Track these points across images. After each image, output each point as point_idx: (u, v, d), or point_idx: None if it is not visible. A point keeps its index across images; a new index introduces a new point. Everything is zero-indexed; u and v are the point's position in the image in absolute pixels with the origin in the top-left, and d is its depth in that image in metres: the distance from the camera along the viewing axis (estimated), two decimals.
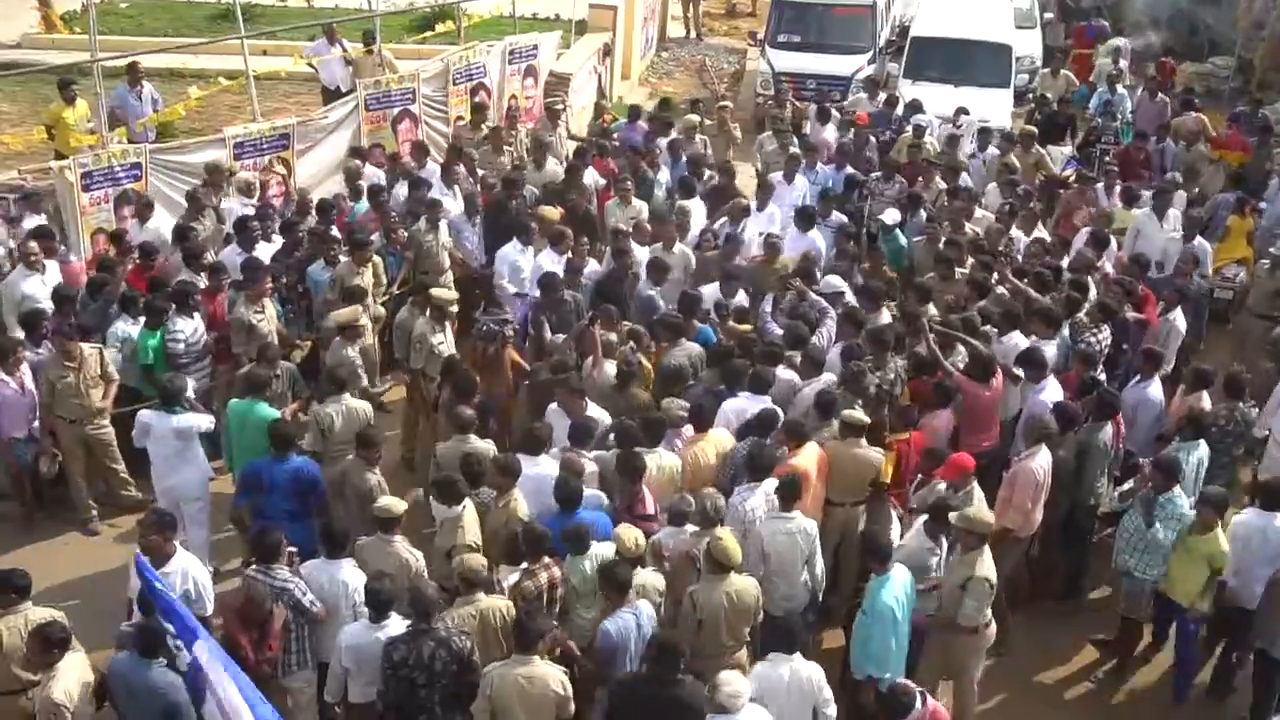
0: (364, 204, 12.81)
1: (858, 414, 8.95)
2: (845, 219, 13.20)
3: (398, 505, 7.97)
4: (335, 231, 11.99)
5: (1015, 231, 12.74)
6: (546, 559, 7.58)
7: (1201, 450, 9.45)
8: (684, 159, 14.29)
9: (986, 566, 7.82)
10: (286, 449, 8.69)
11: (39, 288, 10.74)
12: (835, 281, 11.18)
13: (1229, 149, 16.52)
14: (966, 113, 16.19)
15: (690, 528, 7.97)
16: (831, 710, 7.25)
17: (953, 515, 8.00)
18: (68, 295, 10.64)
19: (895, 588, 7.61)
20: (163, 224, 12.40)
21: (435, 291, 10.75)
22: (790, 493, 8.12)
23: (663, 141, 14.87)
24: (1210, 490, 8.66)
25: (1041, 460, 9.00)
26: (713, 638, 7.50)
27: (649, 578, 7.67)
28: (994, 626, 8.12)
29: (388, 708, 7.09)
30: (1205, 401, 10.08)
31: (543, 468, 8.55)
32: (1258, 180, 15.31)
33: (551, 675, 6.81)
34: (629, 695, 7.02)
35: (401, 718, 7.06)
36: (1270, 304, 12.19)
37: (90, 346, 10.03)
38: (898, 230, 12.77)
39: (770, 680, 7.05)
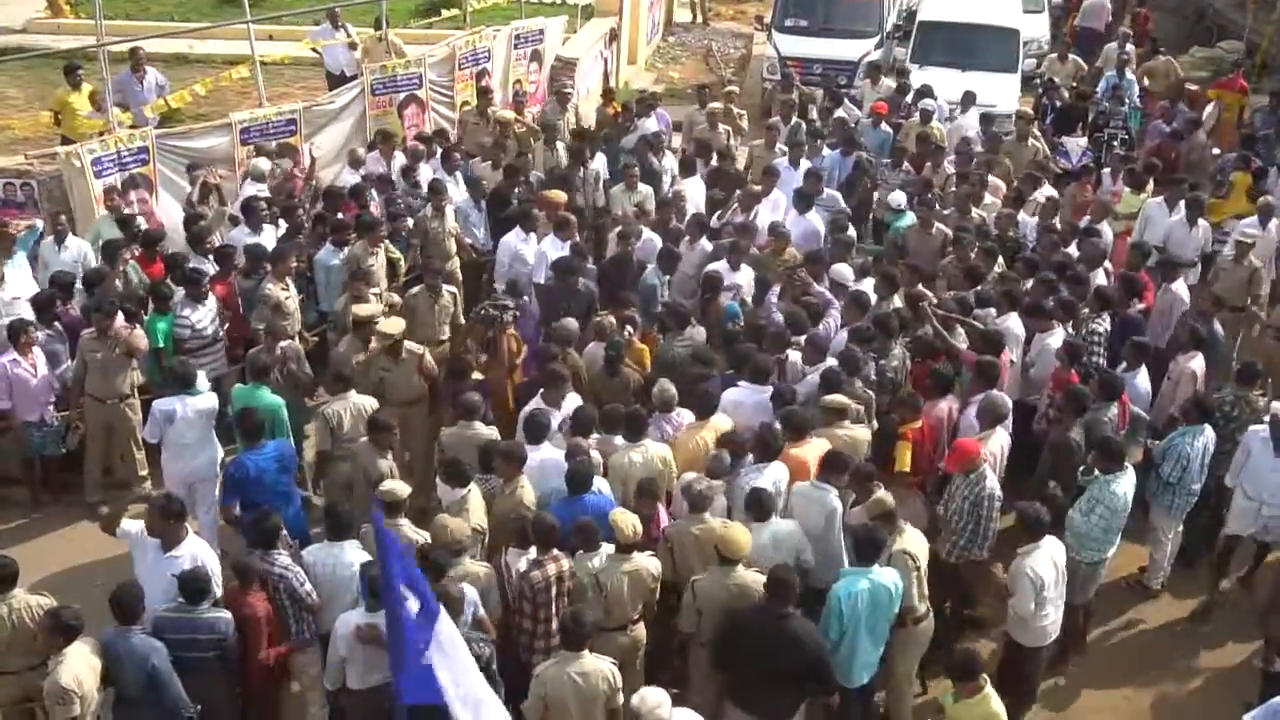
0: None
1: (838, 397, 8.99)
2: (839, 198, 13.15)
3: (402, 488, 7.99)
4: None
5: (1023, 217, 12.72)
6: (555, 551, 7.57)
7: (1207, 435, 9.45)
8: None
9: (909, 542, 7.77)
10: (258, 437, 8.67)
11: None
12: (843, 271, 11.16)
13: (1228, 90, 17.85)
14: (974, 99, 16.15)
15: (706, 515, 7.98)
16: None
17: (780, 471, 8.22)
18: (65, 282, 10.65)
19: (861, 584, 7.48)
20: (170, 210, 12.43)
21: (357, 308, 10.19)
22: (833, 467, 8.23)
23: (649, 124, 14.91)
24: (959, 653, 7.49)
25: (993, 444, 9.00)
26: (711, 628, 7.51)
27: (645, 562, 7.66)
28: (929, 621, 8.02)
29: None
30: (1198, 361, 10.17)
31: (544, 453, 8.58)
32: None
33: (603, 668, 6.86)
34: (739, 627, 7.18)
35: None
36: (1240, 295, 12.11)
37: (125, 325, 10.01)
38: (905, 212, 12.73)
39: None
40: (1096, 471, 8.72)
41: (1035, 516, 7.96)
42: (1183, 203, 13.05)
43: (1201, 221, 12.82)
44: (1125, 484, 8.65)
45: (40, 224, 11.69)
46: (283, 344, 10.06)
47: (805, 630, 7.16)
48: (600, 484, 8.28)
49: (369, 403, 9.31)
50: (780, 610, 7.06)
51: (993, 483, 8.54)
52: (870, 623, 7.54)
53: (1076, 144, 15.81)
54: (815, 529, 8.12)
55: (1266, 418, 9.35)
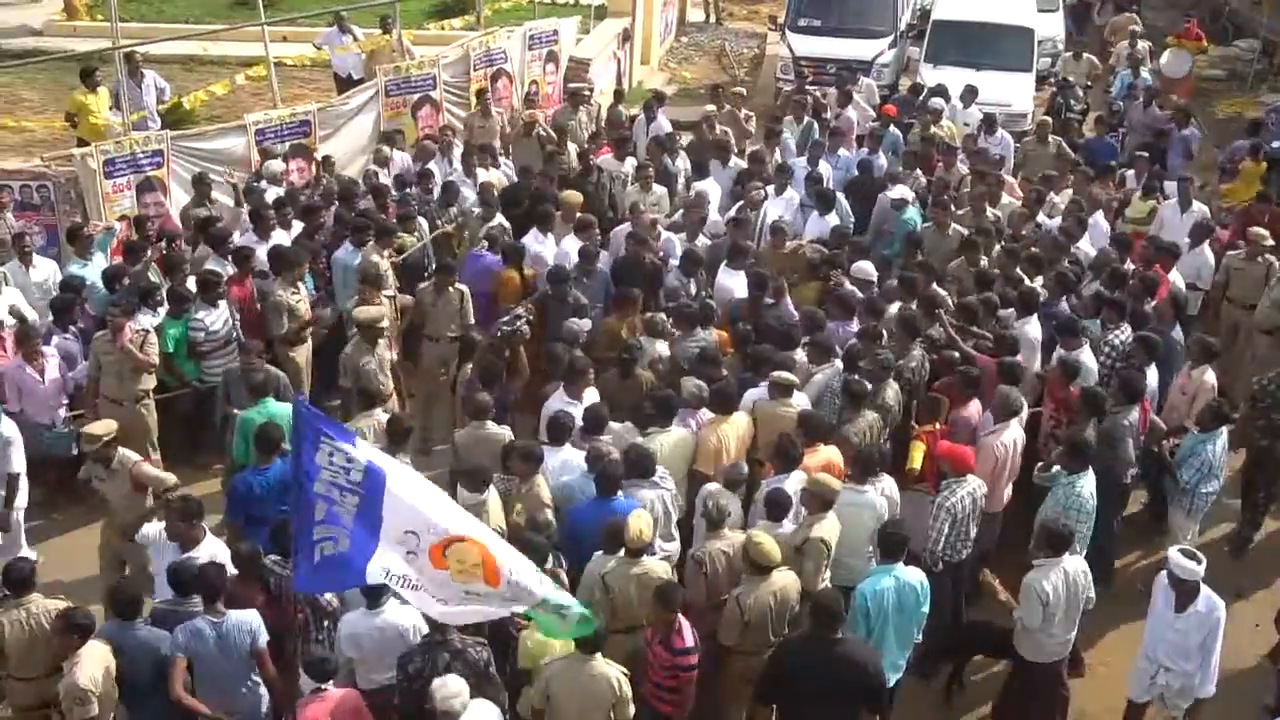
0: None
1: (787, 375, 9.10)
2: (842, 201, 13.08)
3: None
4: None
5: (1042, 218, 12.65)
6: (549, 565, 7.46)
7: (1223, 439, 9.43)
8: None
9: (825, 530, 7.76)
10: (269, 453, 8.61)
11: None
12: (866, 269, 11.19)
13: (1185, 39, 19.70)
14: (976, 94, 16.08)
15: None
16: None
17: (802, 479, 8.06)
18: (75, 284, 10.70)
19: (885, 581, 7.51)
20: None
21: (358, 312, 10.20)
22: (866, 464, 8.26)
23: (663, 125, 15.04)
24: None
25: (1006, 438, 8.97)
26: (759, 636, 7.50)
27: (655, 566, 7.65)
28: None
29: (405, 718, 7.11)
30: (1210, 375, 10.11)
31: (564, 454, 8.63)
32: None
33: (611, 675, 6.85)
34: (793, 657, 7.14)
35: None
36: (1255, 293, 11.95)
37: (137, 328, 10.04)
38: (909, 206, 12.70)
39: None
40: (1056, 469, 8.69)
41: (1059, 532, 7.80)
42: (1198, 206, 13.03)
43: (1205, 248, 12.41)
44: (1089, 484, 8.56)
45: (117, 226, 11.89)
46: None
47: (862, 652, 7.13)
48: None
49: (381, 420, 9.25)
50: (831, 636, 6.98)
51: (960, 499, 8.37)
52: (897, 622, 7.55)
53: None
54: (868, 533, 8.10)
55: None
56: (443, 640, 6.94)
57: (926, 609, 7.72)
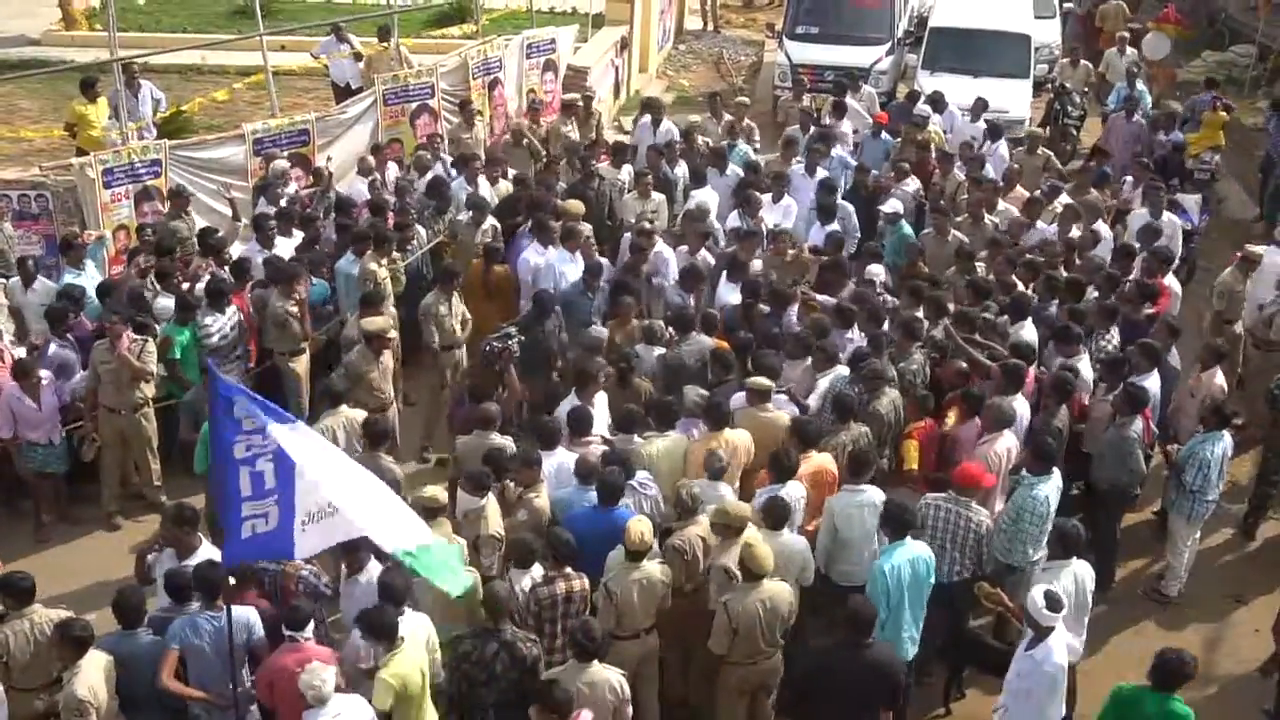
0: None
1: (761, 380, 9.13)
2: (850, 211, 13.05)
3: (442, 494, 7.97)
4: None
5: (1041, 225, 12.66)
6: (569, 569, 7.52)
7: (1225, 441, 9.44)
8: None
9: (730, 557, 7.67)
10: None
11: None
12: (875, 271, 11.25)
13: (1165, 23, 20.47)
14: (986, 107, 16.07)
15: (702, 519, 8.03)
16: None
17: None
18: (74, 293, 10.70)
19: (899, 555, 7.63)
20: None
21: (365, 322, 10.29)
22: (861, 463, 8.32)
23: (674, 130, 15.02)
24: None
25: (1000, 447, 8.96)
26: (748, 645, 7.50)
27: (655, 569, 7.64)
28: None
29: (450, 700, 7.20)
30: (1219, 378, 10.13)
31: (559, 457, 8.65)
32: None
33: (611, 679, 6.90)
34: (822, 663, 7.28)
35: (459, 713, 7.20)
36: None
37: (135, 337, 10.03)
38: (902, 221, 12.72)
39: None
40: (1023, 471, 8.70)
41: (1071, 532, 7.79)
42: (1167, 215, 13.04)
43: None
44: (1049, 488, 8.52)
45: (108, 235, 11.91)
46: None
47: (888, 654, 7.25)
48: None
49: (359, 415, 9.27)
50: (861, 641, 7.07)
51: (980, 515, 8.35)
52: (912, 594, 7.66)
53: (1194, 201, 14.76)
54: (871, 530, 8.15)
55: None
56: (495, 629, 7.03)
57: (933, 579, 7.82)
